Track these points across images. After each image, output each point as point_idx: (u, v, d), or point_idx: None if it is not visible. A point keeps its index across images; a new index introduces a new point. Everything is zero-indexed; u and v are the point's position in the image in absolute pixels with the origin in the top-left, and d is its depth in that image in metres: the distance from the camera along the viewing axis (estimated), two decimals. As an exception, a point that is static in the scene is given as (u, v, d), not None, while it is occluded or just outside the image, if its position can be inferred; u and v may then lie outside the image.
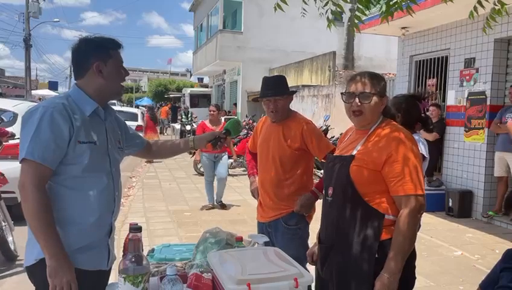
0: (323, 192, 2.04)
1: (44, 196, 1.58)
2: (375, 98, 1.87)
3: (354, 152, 1.89)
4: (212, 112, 6.86)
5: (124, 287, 1.46)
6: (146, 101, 40.48)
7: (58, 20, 31.28)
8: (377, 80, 1.91)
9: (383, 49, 16.06)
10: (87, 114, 1.72)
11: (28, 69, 25.48)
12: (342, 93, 1.98)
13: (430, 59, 7.82)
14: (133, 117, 13.58)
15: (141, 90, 56.22)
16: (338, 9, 2.62)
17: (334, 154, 2.05)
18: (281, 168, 2.73)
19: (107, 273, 1.82)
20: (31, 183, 1.56)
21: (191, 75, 37.92)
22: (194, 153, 12.01)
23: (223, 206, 6.82)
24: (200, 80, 32.05)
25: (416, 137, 2.71)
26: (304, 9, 2.87)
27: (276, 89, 2.75)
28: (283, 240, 2.65)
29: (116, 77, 1.79)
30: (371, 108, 1.88)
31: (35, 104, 1.91)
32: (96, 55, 1.73)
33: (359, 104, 1.88)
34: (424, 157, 2.81)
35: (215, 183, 6.91)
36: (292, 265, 1.54)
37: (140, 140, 2.16)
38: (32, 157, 1.57)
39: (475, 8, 2.74)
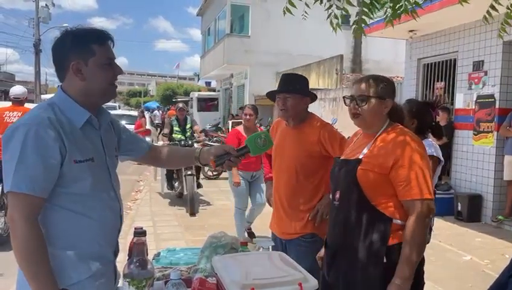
0: (330, 196, 2.02)
1: (36, 231, 1.36)
2: (372, 101, 1.86)
3: (361, 156, 1.88)
4: (248, 117, 5.08)
5: (128, 292, 1.45)
6: (153, 105, 40.69)
7: (67, 25, 31.43)
8: (376, 82, 1.88)
9: (391, 52, 15.97)
10: (79, 126, 1.47)
11: (37, 73, 25.75)
12: (343, 97, 1.98)
13: (438, 62, 7.78)
14: (133, 120, 13.67)
15: (149, 94, 56.55)
16: (344, 12, 2.60)
17: (341, 158, 2.04)
18: (295, 176, 2.55)
19: None
20: (21, 220, 1.33)
21: (198, 79, 38.04)
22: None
23: (251, 235, 5.10)
24: (208, 83, 32.13)
25: (427, 143, 2.70)
26: (306, 12, 2.86)
27: (287, 86, 2.58)
28: (297, 251, 2.46)
29: (100, 77, 1.49)
30: (368, 110, 1.87)
31: None
32: (75, 53, 1.45)
33: (356, 106, 1.88)
34: (439, 161, 2.81)
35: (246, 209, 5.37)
36: (297, 270, 1.53)
37: (141, 144, 1.87)
38: (19, 190, 1.34)
39: (488, 13, 2.71)
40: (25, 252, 1.34)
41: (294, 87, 2.57)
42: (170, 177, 7.71)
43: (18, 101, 5.36)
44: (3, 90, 28.14)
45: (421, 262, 1.91)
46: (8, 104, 5.54)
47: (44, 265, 1.35)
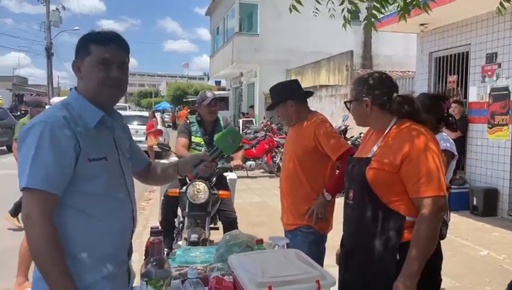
0: (344, 195, 2.02)
1: (53, 229, 1.36)
2: (352, 105, 1.98)
3: (371, 154, 1.86)
4: None
5: (146, 291, 1.46)
6: (164, 106, 40.95)
7: (78, 28, 31.71)
8: (354, 85, 2.00)
9: (402, 47, 15.82)
10: (93, 125, 1.48)
11: (50, 77, 26.08)
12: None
13: (450, 55, 7.68)
14: (144, 120, 13.76)
15: (160, 94, 56.90)
16: (353, 8, 2.59)
17: (353, 156, 2.04)
18: (294, 171, 2.71)
19: None
20: (37, 216, 1.34)
21: (208, 79, 38.15)
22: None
23: None
24: (218, 83, 32.21)
25: (439, 137, 2.66)
26: (317, 9, 2.85)
27: (271, 100, 2.86)
28: (294, 242, 2.55)
29: (92, 76, 1.49)
30: (353, 113, 2.01)
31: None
32: (77, 52, 1.51)
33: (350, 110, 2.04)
34: (453, 155, 2.77)
35: None
36: (314, 267, 1.52)
37: (144, 157, 1.86)
38: (35, 186, 1.34)
39: (501, 4, 2.67)
40: (42, 251, 1.34)
41: (273, 101, 2.83)
42: (171, 214, 4.04)
43: None
44: (17, 94, 28.58)
45: (439, 258, 1.89)
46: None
47: (62, 264, 1.35)
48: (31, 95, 30.22)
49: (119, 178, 1.57)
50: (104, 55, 1.48)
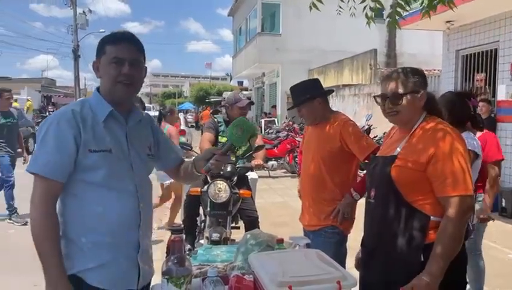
0: (366, 194, 1.99)
1: (51, 215, 1.49)
2: (407, 97, 1.79)
3: (396, 152, 1.82)
4: None
5: (167, 289, 1.48)
6: (187, 106, 41.38)
7: (103, 30, 32.25)
8: (408, 76, 1.80)
9: (427, 45, 15.49)
10: (101, 119, 1.58)
11: (77, 78, 26.70)
12: (374, 97, 1.91)
13: (478, 53, 7.49)
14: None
15: (183, 95, 57.57)
16: (377, 5, 2.54)
17: (376, 155, 2.00)
18: (318, 171, 2.67)
19: None
20: (38, 199, 1.48)
21: (231, 79, 38.34)
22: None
23: None
24: (240, 83, 32.32)
25: (465, 135, 2.61)
26: (340, 7, 2.81)
27: (294, 99, 2.79)
28: (317, 242, 2.50)
29: (106, 74, 1.59)
30: (404, 108, 1.80)
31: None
32: (97, 53, 1.62)
33: (391, 106, 1.81)
34: (477, 155, 2.70)
35: None
36: (335, 267, 1.50)
37: (175, 156, 1.93)
38: (34, 171, 1.49)
39: None
40: (36, 232, 1.45)
41: (299, 100, 2.72)
42: (193, 213, 4.06)
43: None
44: (45, 95, 29.38)
45: (464, 261, 1.84)
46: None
47: (54, 249, 1.46)
48: (59, 96, 31.02)
49: (126, 172, 1.62)
50: (115, 54, 1.57)
